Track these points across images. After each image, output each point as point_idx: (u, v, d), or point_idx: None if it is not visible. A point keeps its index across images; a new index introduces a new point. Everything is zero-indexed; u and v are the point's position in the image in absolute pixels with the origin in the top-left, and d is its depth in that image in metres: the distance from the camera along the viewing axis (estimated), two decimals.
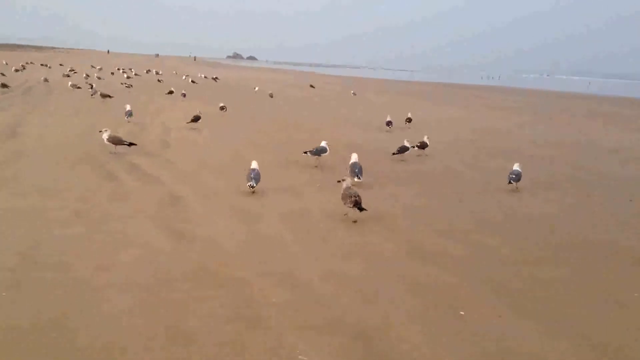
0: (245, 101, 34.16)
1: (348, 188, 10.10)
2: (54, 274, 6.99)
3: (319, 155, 14.81)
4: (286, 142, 18.82)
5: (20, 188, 10.89)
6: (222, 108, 26.38)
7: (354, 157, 13.16)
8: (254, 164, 12.06)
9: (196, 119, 21.67)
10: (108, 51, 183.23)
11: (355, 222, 10.06)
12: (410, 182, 13.83)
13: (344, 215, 10.31)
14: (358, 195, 9.88)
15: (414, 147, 17.08)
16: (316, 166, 14.90)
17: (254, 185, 11.57)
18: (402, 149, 16.57)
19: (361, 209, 9.80)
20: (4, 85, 31.16)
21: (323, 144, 14.98)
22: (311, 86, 53.93)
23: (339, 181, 10.81)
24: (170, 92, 34.48)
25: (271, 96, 38.64)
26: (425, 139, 17.79)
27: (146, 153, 15.45)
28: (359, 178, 12.70)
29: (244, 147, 17.43)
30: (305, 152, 14.93)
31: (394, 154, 16.63)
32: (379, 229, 9.82)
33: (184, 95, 33.88)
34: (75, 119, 21.17)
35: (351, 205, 9.83)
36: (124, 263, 7.53)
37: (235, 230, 9.20)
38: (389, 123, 23.82)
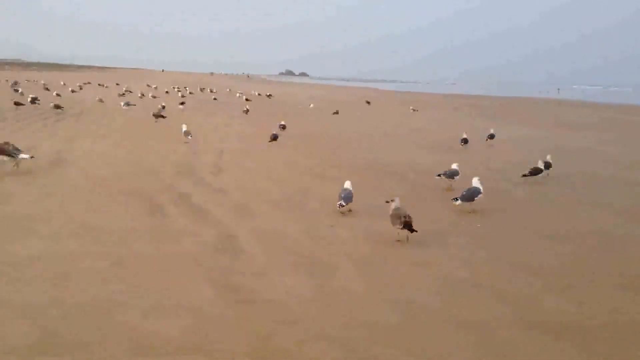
0: (303, 119, 32.66)
1: (397, 209, 9.51)
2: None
3: (452, 178, 14.14)
4: (365, 168, 17.05)
5: (55, 227, 9.48)
6: (282, 127, 24.92)
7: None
8: (347, 184, 11.62)
9: (275, 137, 21.12)
10: (162, 70, 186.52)
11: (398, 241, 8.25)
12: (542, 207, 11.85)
13: (397, 240, 9.51)
14: (408, 216, 9.33)
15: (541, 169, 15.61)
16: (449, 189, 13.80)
17: (344, 204, 11.10)
18: (535, 171, 15.35)
19: (412, 230, 9.26)
20: (58, 107, 30.60)
21: (454, 166, 14.22)
22: (367, 102, 52.28)
23: (387, 202, 9.91)
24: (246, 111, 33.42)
25: (337, 113, 37.42)
26: (549, 158, 16.36)
27: (197, 180, 14.01)
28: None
29: (308, 174, 15.76)
30: (439, 175, 14.29)
31: (524, 175, 15.30)
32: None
33: (247, 111, 33.52)
34: (127, 142, 20.00)
35: (401, 227, 9.29)
36: (171, 339, 5.89)
37: (303, 287, 7.48)
38: (464, 141, 22.11)
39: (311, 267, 8.23)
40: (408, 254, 9.03)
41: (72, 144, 18.99)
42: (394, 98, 72.18)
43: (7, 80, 60.95)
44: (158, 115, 27.78)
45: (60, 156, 16.40)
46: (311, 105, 43.67)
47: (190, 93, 54.73)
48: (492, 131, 24.48)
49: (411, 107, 45.72)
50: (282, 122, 25.65)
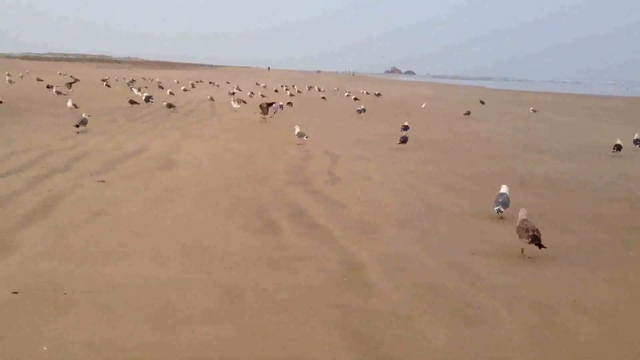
0: (419, 120, 30.81)
1: (524, 220, 8.73)
2: None
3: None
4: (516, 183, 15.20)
5: (158, 245, 8.41)
6: (405, 128, 23.30)
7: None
8: (504, 188, 10.93)
9: (404, 140, 19.89)
10: (269, 68, 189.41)
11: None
12: None
13: (521, 253, 8.68)
14: (537, 230, 8.51)
15: None
16: None
17: (502, 210, 10.57)
18: None
19: (540, 246, 8.40)
20: (170, 106, 30.57)
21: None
22: (481, 102, 49.52)
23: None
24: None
25: (468, 114, 35.40)
26: None
27: (312, 190, 12.70)
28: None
29: (434, 185, 14.10)
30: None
31: None
32: None
33: (362, 110, 32.35)
34: (236, 144, 19.14)
35: (528, 241, 8.47)
36: None
37: (458, 341, 5.89)
38: (617, 147, 19.72)
39: (463, 313, 6.61)
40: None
41: (181, 145, 18.34)
42: (507, 97, 68.57)
43: (124, 78, 63.18)
44: (265, 112, 26.91)
45: (169, 158, 15.67)
46: (423, 105, 41.71)
47: (298, 92, 54.17)
48: (637, 136, 21.70)
49: (531, 108, 42.66)
50: (405, 123, 24.11)
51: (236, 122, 26.14)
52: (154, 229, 9.22)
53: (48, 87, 40.51)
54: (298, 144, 19.37)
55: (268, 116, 26.97)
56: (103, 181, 12.33)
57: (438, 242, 9.33)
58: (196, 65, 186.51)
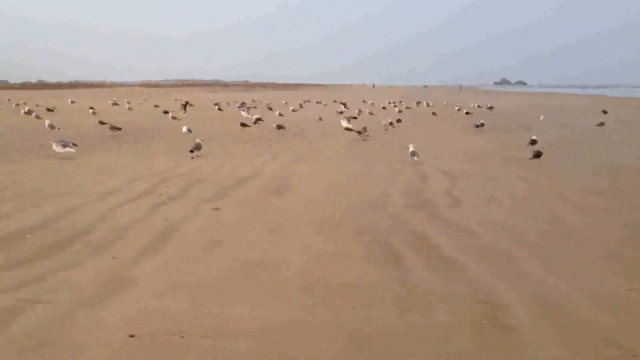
0: (546, 132, 28.96)
1: None
2: None
3: None
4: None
5: (275, 281, 7.85)
6: (532, 142, 21.86)
7: None
8: None
9: (538, 154, 18.90)
10: (374, 85, 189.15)
11: None
12: None
13: None
14: None
15: None
16: None
17: None
18: None
19: None
20: (280, 127, 30.62)
21: None
22: (604, 112, 46.25)
23: None
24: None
25: (601, 124, 33.31)
26: None
27: (433, 215, 11.79)
28: None
29: (569, 204, 12.76)
30: None
31: None
32: None
33: (481, 125, 31.15)
34: (348, 164, 18.54)
35: None
36: None
37: None
38: None
39: None
40: None
41: (294, 167, 17.98)
42: (632, 106, 63.89)
43: (235, 101, 64.78)
44: (362, 133, 26.32)
45: (283, 182, 15.28)
46: (541, 117, 39.44)
47: (406, 108, 53.15)
48: None
49: None
50: (533, 137, 22.65)
51: (346, 142, 25.63)
52: (273, 263, 8.68)
53: (164, 112, 42.06)
54: (412, 164, 18.48)
55: (366, 134, 26.42)
56: (218, 208, 12.05)
57: (589, 278, 8.14)
58: (303, 85, 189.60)
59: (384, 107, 54.33)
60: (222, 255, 8.98)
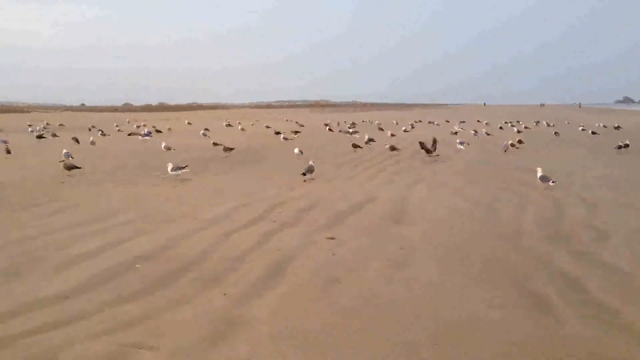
0: None
1: None
2: None
3: None
4: None
5: (403, 329, 6.81)
6: None
7: None
8: None
9: None
10: (484, 104, 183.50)
11: None
12: None
13: None
14: None
15: None
16: None
17: None
18: None
19: None
20: (393, 148, 29.60)
21: None
22: None
23: None
24: None
25: None
26: None
27: (579, 251, 10.31)
28: None
29: None
30: None
31: None
32: None
33: (625, 146, 28.76)
34: (468, 189, 17.18)
35: None
36: None
37: None
38: None
39: None
40: None
41: (411, 192, 16.87)
42: None
43: (345, 122, 64.49)
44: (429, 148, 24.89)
45: (401, 209, 14.22)
46: None
47: (525, 127, 50.44)
48: None
49: None
50: None
51: (464, 164, 24.18)
52: (398, 305, 7.67)
53: (276, 133, 42.25)
54: (541, 189, 16.83)
55: (435, 153, 25.77)
56: (333, 238, 11.20)
57: None
58: (413, 105, 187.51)
59: (500, 127, 51.90)
60: (341, 294, 8.08)
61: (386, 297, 7.93)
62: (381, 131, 46.85)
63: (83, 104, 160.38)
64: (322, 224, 12.53)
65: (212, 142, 31.59)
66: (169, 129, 49.56)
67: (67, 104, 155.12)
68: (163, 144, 29.13)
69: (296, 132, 39.59)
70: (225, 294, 7.96)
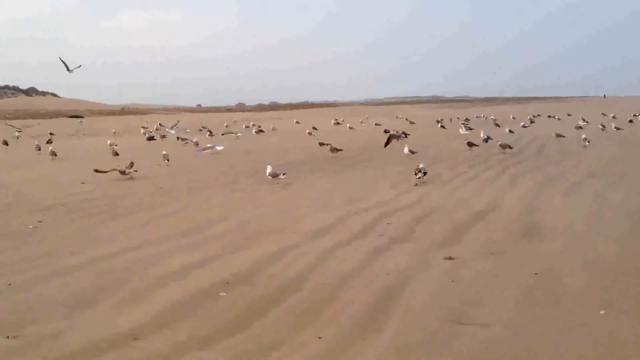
0: None
1: None
2: None
3: None
4: None
5: None
6: None
7: None
8: None
9: None
10: (604, 96, 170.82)
11: None
12: None
13: None
14: None
15: None
16: None
17: None
18: None
19: None
20: (506, 146, 27.09)
21: None
22: None
23: None
24: None
25: None
26: None
27: None
28: None
29: None
30: None
31: None
32: None
33: None
34: (610, 194, 14.75)
35: None
36: None
37: None
38: None
39: None
40: None
41: (539, 198, 14.69)
42: None
43: (457, 118, 61.52)
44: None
45: (530, 220, 12.17)
46: None
47: None
48: None
49: None
50: None
51: (597, 163, 21.37)
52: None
53: (385, 131, 40.53)
54: None
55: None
56: (452, 258, 9.45)
57: None
58: (531, 98, 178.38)
59: (630, 121, 47.20)
60: (466, 342, 6.35)
61: (527, 344, 6.14)
62: (497, 127, 43.88)
63: (199, 105, 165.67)
64: (438, 238, 10.80)
65: (318, 142, 30.38)
66: (273, 128, 49.17)
67: (186, 105, 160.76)
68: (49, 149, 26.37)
69: (405, 133, 36.99)
70: (320, 338, 6.47)
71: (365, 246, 10.31)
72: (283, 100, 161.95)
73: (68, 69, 27.93)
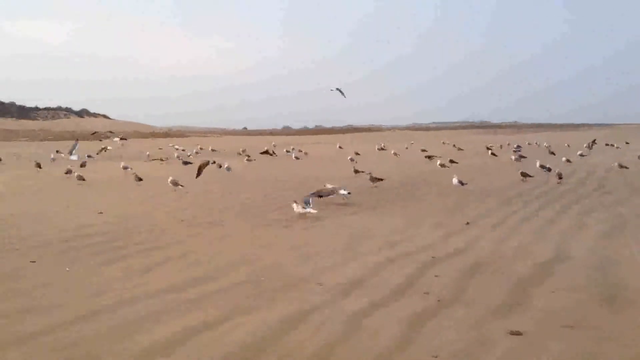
0: None
1: None
2: None
3: None
4: None
5: None
6: None
7: None
8: None
9: None
10: None
11: None
12: None
13: None
14: None
15: None
16: None
17: None
18: None
19: None
20: (561, 177, 24.78)
21: None
22: None
23: None
24: None
25: None
26: None
27: None
28: None
29: None
30: None
31: None
32: None
33: None
34: None
35: None
36: None
37: None
38: None
39: None
40: None
41: (614, 245, 12.41)
42: None
43: (508, 144, 58.80)
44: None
45: (612, 279, 9.87)
46: None
47: None
48: None
49: None
50: None
51: None
52: None
53: (429, 157, 38.43)
54: None
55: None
56: (519, 333, 7.34)
57: None
58: (581, 125, 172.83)
59: None
60: None
61: None
62: (552, 155, 41.16)
63: (245, 128, 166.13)
64: (497, 301, 8.69)
65: (353, 169, 28.25)
66: (305, 153, 47.60)
67: (231, 128, 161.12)
68: (170, 179, 23.20)
69: (451, 161, 34.59)
70: None
71: (405, 310, 8.27)
72: (328, 123, 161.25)
73: (343, 94, 29.21)
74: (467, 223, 15.11)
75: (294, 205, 16.34)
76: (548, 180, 25.53)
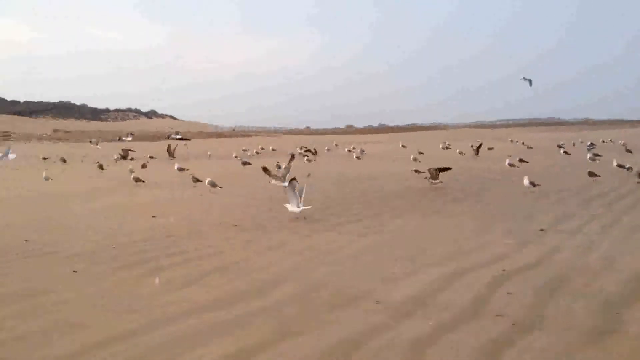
0: None
1: None
2: None
3: None
4: None
5: None
6: None
7: None
8: None
9: None
10: None
11: None
12: None
13: None
14: None
15: None
16: None
17: None
18: None
19: None
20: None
21: None
22: None
23: None
24: None
25: None
26: None
27: None
28: None
29: None
30: None
31: None
32: None
33: None
34: None
35: None
36: None
37: None
38: None
39: None
40: None
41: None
42: None
43: (581, 142, 55.87)
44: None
45: None
46: None
47: None
48: None
49: None
50: None
51: None
52: None
53: (417, 172, 36.61)
54: None
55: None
56: None
57: None
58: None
59: None
60: None
61: None
62: (629, 154, 38.58)
63: (308, 127, 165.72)
64: (585, 326, 7.43)
65: (414, 169, 26.78)
66: (362, 150, 46.54)
67: (294, 127, 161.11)
68: (207, 180, 22.25)
69: (521, 160, 32.48)
70: None
71: (476, 336, 7.11)
72: (392, 122, 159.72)
73: (530, 84, 30.60)
74: (542, 230, 13.71)
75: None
76: (628, 180, 23.56)
